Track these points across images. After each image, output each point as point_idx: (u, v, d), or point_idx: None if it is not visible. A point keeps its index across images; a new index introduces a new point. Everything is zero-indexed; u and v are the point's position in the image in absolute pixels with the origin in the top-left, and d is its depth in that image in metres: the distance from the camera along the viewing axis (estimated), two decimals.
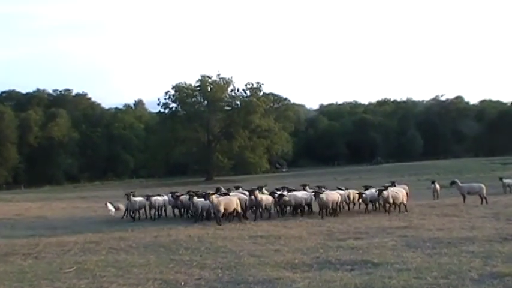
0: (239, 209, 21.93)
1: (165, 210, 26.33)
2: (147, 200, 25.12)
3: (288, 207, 23.95)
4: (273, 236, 16.84)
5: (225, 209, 21.19)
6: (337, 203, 23.52)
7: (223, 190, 25.85)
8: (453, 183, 28.58)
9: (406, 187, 27.28)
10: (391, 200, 23.36)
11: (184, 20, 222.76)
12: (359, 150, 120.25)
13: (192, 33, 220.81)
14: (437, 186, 32.27)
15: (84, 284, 10.77)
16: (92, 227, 22.29)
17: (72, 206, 39.53)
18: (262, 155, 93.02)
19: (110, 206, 29.43)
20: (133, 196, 25.36)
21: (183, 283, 10.54)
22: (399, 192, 24.20)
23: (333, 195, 23.40)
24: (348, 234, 16.89)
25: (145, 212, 25.38)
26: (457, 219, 20.66)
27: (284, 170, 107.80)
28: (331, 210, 23.08)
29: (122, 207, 29.21)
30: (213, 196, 21.61)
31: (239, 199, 22.47)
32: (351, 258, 12.41)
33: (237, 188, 28.59)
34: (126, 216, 25.29)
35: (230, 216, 21.74)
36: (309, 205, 24.46)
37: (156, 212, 25.50)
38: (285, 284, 10.07)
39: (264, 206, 22.86)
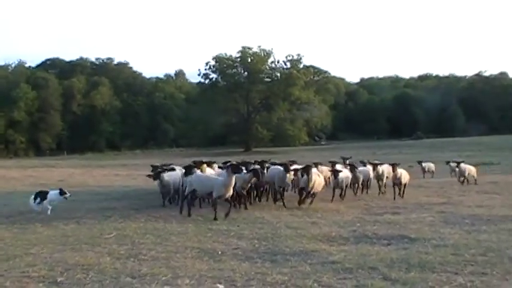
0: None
1: None
2: None
3: None
4: (310, 209, 16.89)
5: None
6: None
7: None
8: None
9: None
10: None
11: None
12: (399, 124, 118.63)
13: (234, 3, 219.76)
14: (424, 165, 32.87)
15: (123, 250, 10.92)
16: (131, 195, 22.66)
17: (113, 173, 40.21)
18: (302, 127, 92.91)
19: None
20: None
21: (220, 252, 10.62)
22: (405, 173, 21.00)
23: None
24: (386, 209, 16.84)
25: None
26: (498, 196, 20.46)
27: (323, 143, 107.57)
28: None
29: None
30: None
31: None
32: (388, 233, 12.35)
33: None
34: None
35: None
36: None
37: None
38: (321, 256, 10.06)
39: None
